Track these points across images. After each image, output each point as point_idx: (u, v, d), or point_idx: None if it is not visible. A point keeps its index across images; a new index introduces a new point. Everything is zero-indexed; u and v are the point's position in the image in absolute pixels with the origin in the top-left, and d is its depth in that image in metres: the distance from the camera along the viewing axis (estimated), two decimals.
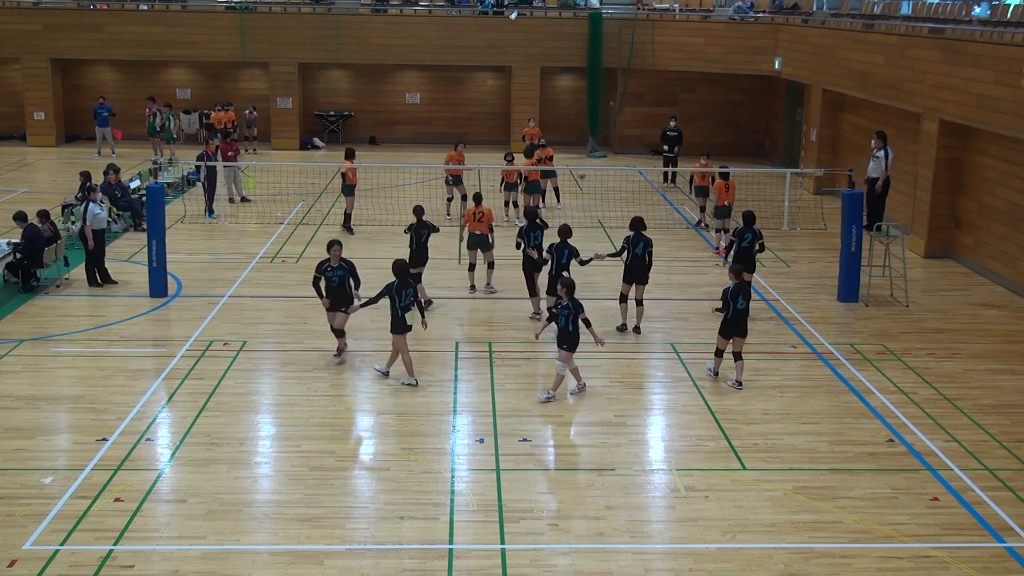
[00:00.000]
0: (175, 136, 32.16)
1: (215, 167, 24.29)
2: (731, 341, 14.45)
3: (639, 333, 16.58)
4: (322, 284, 14.87)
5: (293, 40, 33.71)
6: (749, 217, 17.20)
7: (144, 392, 13.92)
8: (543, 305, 16.80)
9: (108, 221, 20.44)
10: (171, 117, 31.60)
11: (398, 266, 14.31)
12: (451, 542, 10.40)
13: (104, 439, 12.46)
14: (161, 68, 35.58)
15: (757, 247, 17.03)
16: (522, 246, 17.03)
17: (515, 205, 24.43)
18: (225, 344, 15.77)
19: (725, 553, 10.28)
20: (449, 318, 17.35)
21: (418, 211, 17.57)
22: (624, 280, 16.65)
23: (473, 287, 18.60)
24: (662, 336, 16.57)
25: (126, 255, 20.67)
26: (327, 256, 14.90)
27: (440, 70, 35.77)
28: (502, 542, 10.42)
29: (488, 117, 36.14)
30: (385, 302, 14.29)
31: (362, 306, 14.69)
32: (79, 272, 19.05)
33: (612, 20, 33.87)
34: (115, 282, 18.78)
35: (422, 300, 15.65)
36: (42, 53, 33.51)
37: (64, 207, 22.14)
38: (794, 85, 31.41)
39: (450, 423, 13.20)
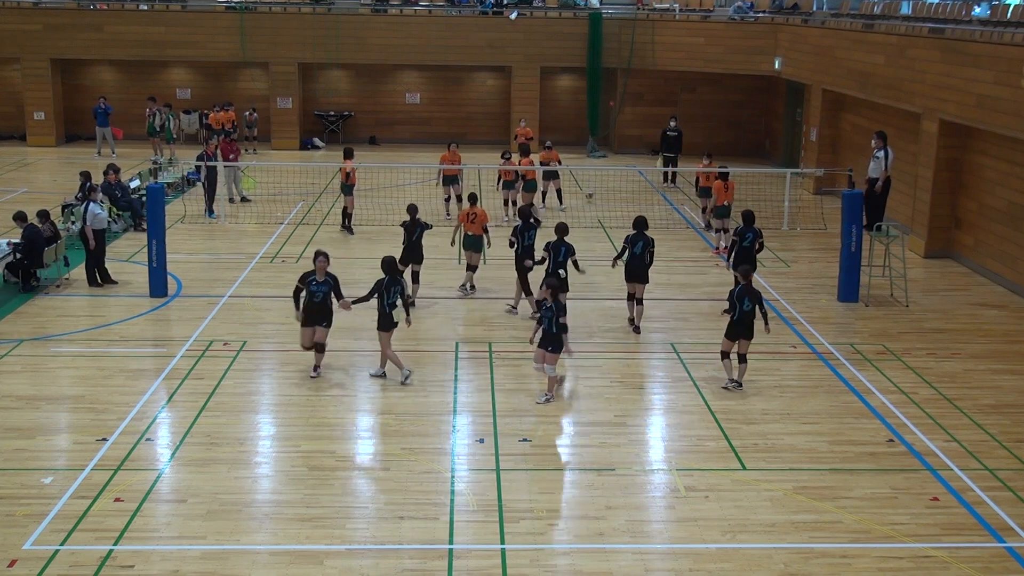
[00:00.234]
0: (175, 136, 32.17)
1: (215, 167, 24.30)
2: (736, 343, 14.33)
3: (639, 333, 16.58)
4: (303, 296, 14.33)
5: (293, 40, 33.71)
6: (749, 216, 17.20)
7: (144, 392, 13.92)
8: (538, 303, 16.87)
9: (108, 221, 20.43)
10: (171, 117, 31.61)
11: (387, 263, 14.30)
12: (451, 542, 10.40)
13: (104, 439, 12.46)
14: (161, 68, 35.58)
15: (756, 246, 17.03)
16: (515, 245, 17.09)
17: (514, 204, 24.43)
18: (225, 344, 15.77)
19: (725, 553, 10.28)
20: (449, 318, 17.35)
21: (412, 210, 17.61)
22: (625, 279, 16.70)
23: (466, 287, 18.51)
24: (662, 336, 16.57)
25: (126, 255, 20.67)
26: (316, 266, 14.31)
27: (440, 70, 35.77)
28: (502, 542, 10.42)
29: (488, 117, 36.14)
30: (374, 299, 14.27)
31: (354, 303, 14.55)
32: (79, 272, 19.05)
33: (612, 20, 33.88)
34: (115, 282, 18.78)
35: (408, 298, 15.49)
36: (42, 53, 33.51)
37: (64, 207, 22.14)
38: (794, 85, 31.41)
39: (450, 423, 13.20)
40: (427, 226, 17.70)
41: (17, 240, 18.49)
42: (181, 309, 17.54)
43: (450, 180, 23.94)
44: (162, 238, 17.94)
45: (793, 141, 31.88)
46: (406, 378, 14.36)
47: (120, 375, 14.56)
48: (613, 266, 16.96)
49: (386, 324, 14.20)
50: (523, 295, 17.35)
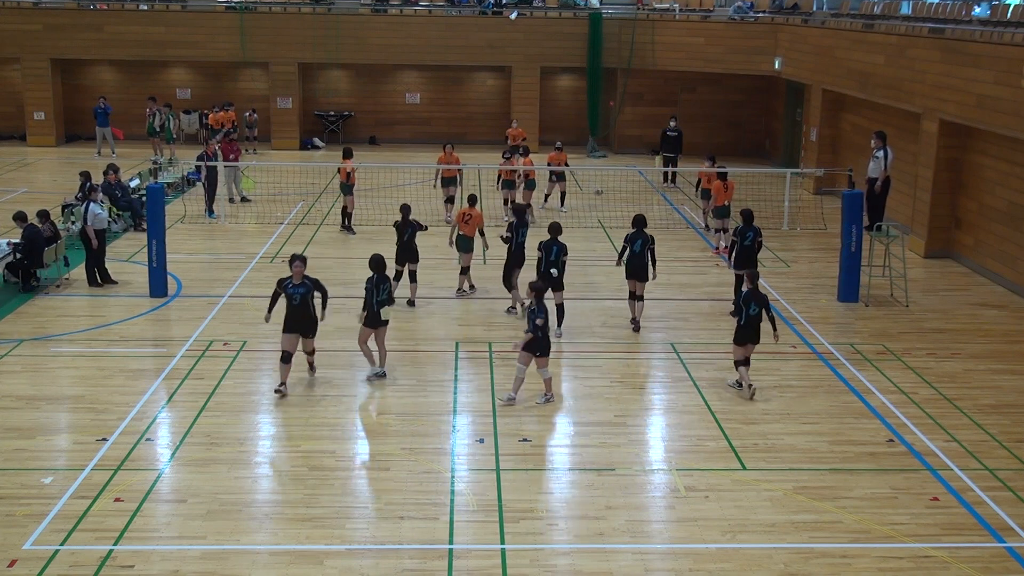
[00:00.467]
0: (175, 136, 32.17)
1: (215, 167, 24.30)
2: (744, 347, 14.15)
3: (638, 331, 16.59)
4: (274, 300, 13.91)
5: (293, 40, 33.71)
6: (748, 215, 17.20)
7: (144, 392, 13.92)
8: (522, 302, 16.93)
9: (108, 221, 20.43)
10: (171, 117, 31.61)
11: (375, 260, 14.28)
12: (451, 542, 10.40)
13: (104, 439, 12.46)
14: (161, 68, 35.58)
15: (756, 246, 17.03)
16: (511, 241, 17.21)
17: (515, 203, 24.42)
18: (225, 344, 15.77)
19: (725, 553, 10.28)
20: (449, 318, 17.35)
21: (404, 209, 17.64)
22: (626, 277, 16.77)
23: (462, 289, 18.49)
24: (662, 336, 16.57)
25: (126, 255, 20.67)
26: (293, 271, 13.87)
27: (440, 70, 35.77)
28: (502, 542, 10.42)
29: (488, 117, 36.13)
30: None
31: (361, 316, 14.38)
32: (79, 272, 19.05)
33: (612, 20, 33.88)
34: (115, 282, 18.78)
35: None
36: (42, 53, 33.51)
37: (64, 207, 22.13)
38: (794, 85, 31.41)
39: (450, 423, 13.20)
40: (419, 227, 17.67)
41: (17, 240, 18.49)
42: (181, 309, 17.54)
43: (448, 181, 23.92)
44: (162, 238, 17.94)
45: (793, 141, 31.88)
46: (375, 375, 14.41)
47: (120, 375, 14.56)
48: (618, 264, 16.99)
49: (373, 322, 14.21)
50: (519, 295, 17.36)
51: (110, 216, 21.57)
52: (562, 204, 25.65)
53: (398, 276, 17.56)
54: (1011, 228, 19.51)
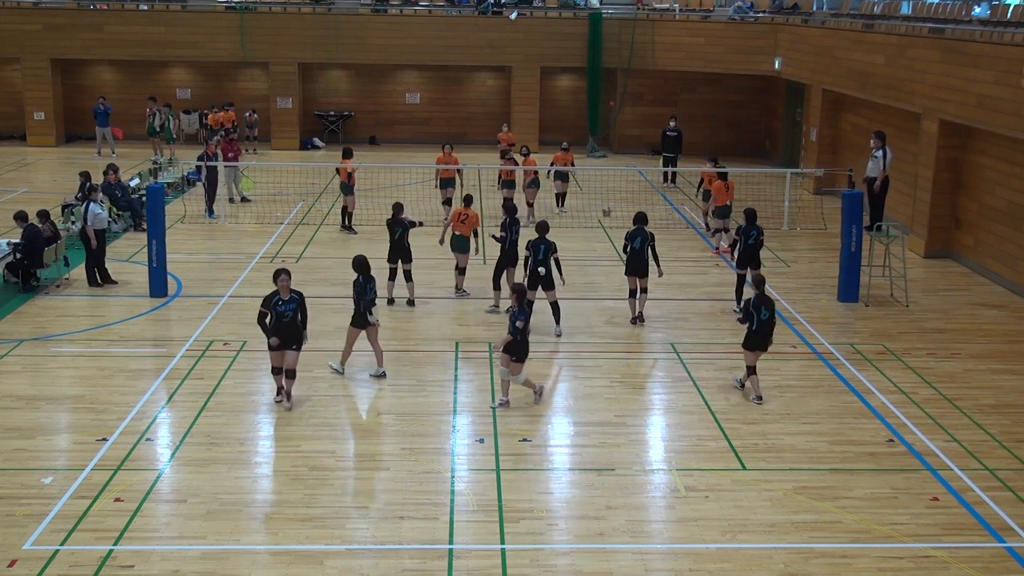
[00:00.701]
0: (175, 136, 32.17)
1: (215, 167, 24.29)
2: (754, 353, 13.95)
3: (643, 322, 16.66)
4: (268, 321, 13.19)
5: (293, 40, 33.71)
6: (751, 214, 17.20)
7: (144, 392, 13.92)
8: (503, 304, 16.97)
9: (108, 221, 20.43)
10: (171, 117, 31.61)
11: (358, 262, 14.24)
12: (451, 542, 10.40)
13: (104, 439, 12.46)
14: (161, 68, 35.58)
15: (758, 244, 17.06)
16: (504, 240, 17.24)
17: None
18: (225, 344, 15.77)
19: (725, 553, 10.28)
20: (449, 318, 17.35)
21: (396, 208, 17.69)
22: (626, 274, 16.83)
23: (461, 289, 18.46)
24: (662, 336, 16.57)
25: (126, 255, 20.67)
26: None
27: (440, 70, 35.77)
28: (502, 542, 10.42)
29: (488, 117, 36.10)
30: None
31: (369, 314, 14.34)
32: (79, 272, 19.04)
33: (612, 20, 33.87)
34: (115, 282, 18.78)
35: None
36: (42, 53, 33.51)
37: (64, 207, 22.13)
38: (794, 85, 31.40)
39: (450, 423, 13.19)
40: (412, 224, 17.68)
41: (17, 240, 18.49)
42: (181, 309, 17.54)
43: (447, 182, 23.88)
44: (162, 238, 17.94)
45: (793, 141, 31.88)
46: (335, 369, 14.52)
47: (120, 375, 14.56)
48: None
49: (360, 322, 14.22)
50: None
51: (110, 216, 21.57)
52: (560, 204, 25.64)
53: (392, 275, 17.60)
54: (1011, 228, 19.51)
